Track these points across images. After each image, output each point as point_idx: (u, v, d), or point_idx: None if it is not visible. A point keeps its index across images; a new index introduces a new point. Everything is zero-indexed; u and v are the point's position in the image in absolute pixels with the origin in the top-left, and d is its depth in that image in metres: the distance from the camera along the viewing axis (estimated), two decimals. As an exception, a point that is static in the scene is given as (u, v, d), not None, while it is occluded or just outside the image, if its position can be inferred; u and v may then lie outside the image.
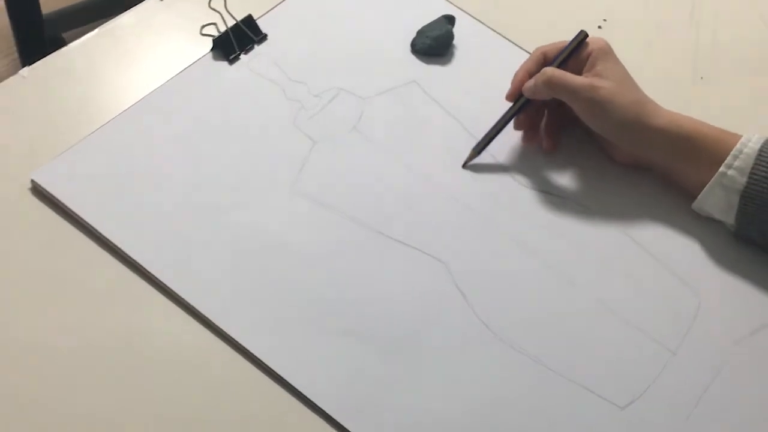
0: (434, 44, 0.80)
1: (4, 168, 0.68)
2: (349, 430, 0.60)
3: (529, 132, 0.76)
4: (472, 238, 0.70)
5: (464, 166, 0.73)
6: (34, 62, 0.75)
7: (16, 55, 1.59)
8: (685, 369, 0.65)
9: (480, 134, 0.75)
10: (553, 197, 0.73)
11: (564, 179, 0.75)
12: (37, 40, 1.52)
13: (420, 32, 0.81)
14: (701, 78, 0.84)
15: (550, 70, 0.72)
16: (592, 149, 0.76)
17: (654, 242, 0.72)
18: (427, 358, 0.63)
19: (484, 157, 0.75)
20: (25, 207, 0.66)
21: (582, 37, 0.74)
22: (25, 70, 0.74)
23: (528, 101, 0.74)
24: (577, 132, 0.76)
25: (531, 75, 0.74)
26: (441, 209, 0.71)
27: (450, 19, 0.82)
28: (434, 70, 0.80)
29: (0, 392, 0.58)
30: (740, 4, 0.92)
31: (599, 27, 0.87)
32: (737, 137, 0.70)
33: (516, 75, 0.75)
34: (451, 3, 0.85)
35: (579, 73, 0.73)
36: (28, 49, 1.52)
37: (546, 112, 0.76)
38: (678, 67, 0.85)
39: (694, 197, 0.72)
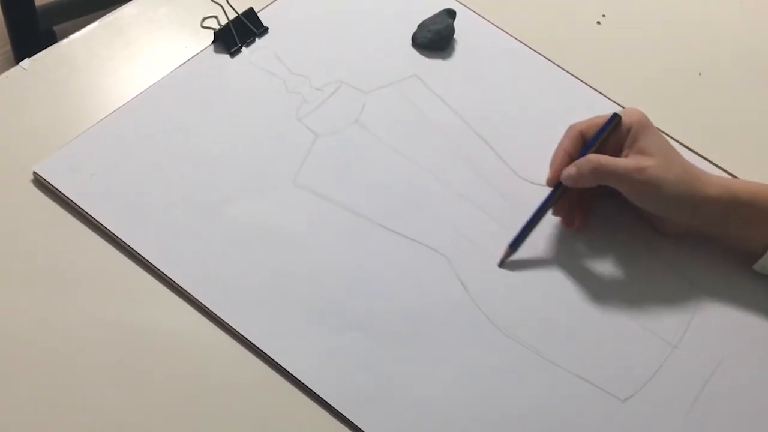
0: (435, 38, 0.80)
1: (6, 160, 0.68)
2: (353, 421, 0.60)
3: (569, 216, 0.71)
4: (473, 231, 0.70)
5: (501, 264, 0.69)
6: (32, 54, 0.75)
7: (9, 47, 1.59)
8: (685, 362, 0.66)
9: (481, 130, 0.76)
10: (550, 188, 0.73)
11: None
12: (31, 32, 1.51)
13: (421, 26, 0.81)
14: (699, 74, 0.85)
15: (595, 158, 0.68)
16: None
17: (652, 237, 0.72)
18: (430, 351, 0.64)
19: (488, 156, 0.75)
20: (27, 199, 0.66)
21: (617, 121, 0.70)
22: (26, 62, 0.74)
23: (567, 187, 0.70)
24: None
25: (571, 157, 0.70)
26: (442, 203, 0.71)
27: (451, 13, 0.82)
28: (435, 64, 0.80)
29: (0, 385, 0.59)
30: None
31: (598, 23, 0.87)
32: None
33: (555, 158, 0.71)
34: (451, -3, 0.85)
35: (619, 149, 0.70)
36: (22, 42, 1.52)
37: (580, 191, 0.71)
38: (677, 62, 0.86)
39: (753, 256, 0.70)
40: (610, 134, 0.70)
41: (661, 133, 0.71)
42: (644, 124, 0.69)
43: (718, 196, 0.67)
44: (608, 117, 0.70)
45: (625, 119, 0.70)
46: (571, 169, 0.69)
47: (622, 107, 0.80)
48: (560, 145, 0.71)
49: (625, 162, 0.68)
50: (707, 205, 0.67)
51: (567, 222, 0.71)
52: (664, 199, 0.67)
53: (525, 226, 0.69)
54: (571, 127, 0.71)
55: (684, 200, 0.67)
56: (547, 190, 0.70)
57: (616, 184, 0.68)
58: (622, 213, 0.72)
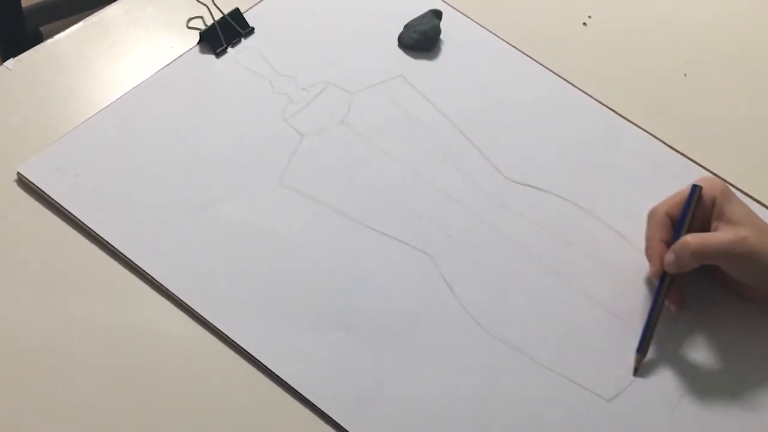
0: (421, 39, 0.80)
1: (-11, 160, 0.68)
2: (339, 423, 0.60)
3: (681, 301, 0.69)
4: (458, 231, 0.70)
5: (635, 373, 0.65)
6: (17, 54, 0.74)
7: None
8: (669, 361, 0.66)
9: (467, 130, 0.76)
10: (534, 188, 0.74)
11: (553, 174, 0.75)
12: (17, 33, 1.50)
13: (407, 26, 0.81)
14: (684, 75, 0.85)
15: (692, 240, 0.66)
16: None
17: (631, 232, 0.72)
18: (416, 351, 0.64)
19: (473, 156, 0.75)
20: (11, 200, 0.66)
21: (699, 193, 0.68)
22: (10, 62, 0.74)
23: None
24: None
25: (666, 243, 0.68)
26: (427, 203, 0.71)
27: (437, 14, 0.82)
28: (421, 64, 0.80)
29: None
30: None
31: (584, 23, 0.88)
32: None
33: (651, 249, 0.69)
34: (437, -2, 0.85)
35: (705, 220, 0.68)
36: (8, 43, 1.51)
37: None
38: (662, 63, 0.86)
39: None
40: (696, 207, 0.68)
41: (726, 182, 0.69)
42: (727, 193, 0.68)
43: None
44: (689, 191, 0.68)
45: (707, 190, 0.68)
46: (670, 257, 0.67)
47: (608, 107, 0.80)
48: (650, 233, 0.69)
49: (723, 237, 0.66)
50: None
51: (681, 307, 0.69)
52: (764, 268, 0.65)
53: (646, 328, 0.67)
54: (653, 212, 0.69)
55: None
56: (535, 191, 0.70)
57: (718, 261, 0.66)
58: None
